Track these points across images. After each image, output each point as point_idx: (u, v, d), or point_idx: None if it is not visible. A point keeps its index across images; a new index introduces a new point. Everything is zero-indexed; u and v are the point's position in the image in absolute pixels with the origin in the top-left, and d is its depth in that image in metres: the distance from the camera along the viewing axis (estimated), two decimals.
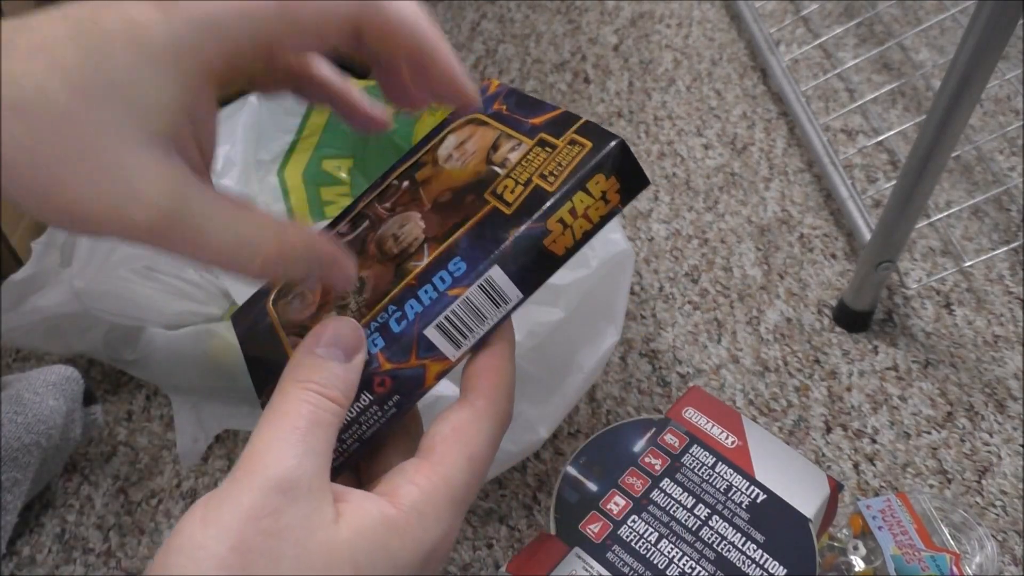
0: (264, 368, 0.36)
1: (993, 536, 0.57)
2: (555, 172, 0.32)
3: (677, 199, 0.87)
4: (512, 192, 0.32)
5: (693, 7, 1.10)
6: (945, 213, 0.82)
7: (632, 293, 0.79)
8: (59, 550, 0.64)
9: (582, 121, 0.33)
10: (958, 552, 0.53)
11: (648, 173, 0.90)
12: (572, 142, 0.33)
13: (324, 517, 0.26)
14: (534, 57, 1.04)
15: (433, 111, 0.77)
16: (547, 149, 0.33)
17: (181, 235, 0.26)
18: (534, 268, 0.31)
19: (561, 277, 0.61)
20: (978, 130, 0.93)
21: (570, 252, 0.32)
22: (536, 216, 0.31)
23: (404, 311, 0.32)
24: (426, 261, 0.33)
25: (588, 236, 0.32)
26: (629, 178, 0.32)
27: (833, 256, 0.82)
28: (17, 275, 0.66)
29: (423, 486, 0.28)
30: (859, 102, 0.94)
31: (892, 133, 0.90)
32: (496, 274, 0.31)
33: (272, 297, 0.38)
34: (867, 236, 0.77)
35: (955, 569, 0.52)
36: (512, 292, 0.31)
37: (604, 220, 0.32)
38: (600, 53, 1.04)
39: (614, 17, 1.09)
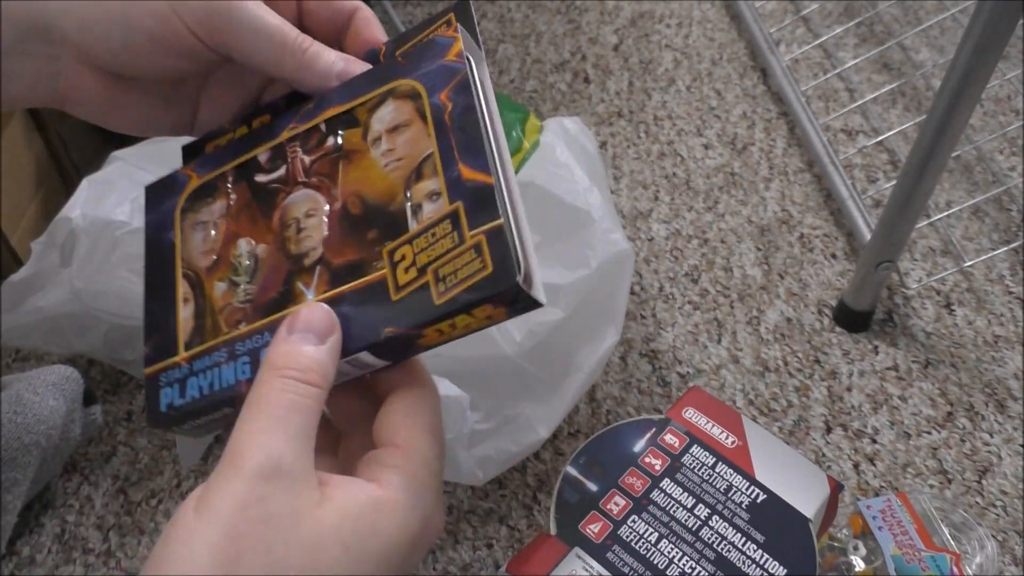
0: (156, 306, 0.37)
1: (993, 536, 0.57)
2: (448, 280, 0.31)
3: (677, 199, 0.87)
4: (406, 272, 0.32)
5: (693, 7, 1.10)
6: (945, 213, 0.82)
7: (632, 293, 0.79)
8: (59, 550, 0.64)
9: (496, 223, 0.31)
10: (958, 552, 0.53)
11: (648, 173, 0.90)
12: (478, 248, 0.31)
13: (309, 500, 0.27)
14: (534, 57, 1.04)
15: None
16: (454, 236, 0.31)
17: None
18: (403, 353, 0.33)
19: (561, 277, 0.61)
20: (978, 130, 0.93)
21: (441, 344, 0.33)
22: (415, 324, 0.31)
23: None
24: (309, 299, 0.33)
25: (462, 337, 0.33)
26: (519, 308, 0.31)
27: (833, 256, 0.82)
28: (17, 275, 0.66)
29: (404, 467, 0.30)
30: (859, 102, 0.94)
31: (892, 133, 0.90)
32: (365, 355, 0.32)
33: (183, 202, 0.38)
34: (867, 236, 0.77)
35: (955, 569, 0.52)
36: (378, 363, 0.33)
37: (483, 328, 0.32)
38: (600, 53, 1.04)
39: (614, 17, 1.09)
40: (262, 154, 0.37)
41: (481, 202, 0.32)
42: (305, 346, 0.30)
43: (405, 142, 0.34)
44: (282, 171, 0.36)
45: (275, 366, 0.29)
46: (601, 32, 1.07)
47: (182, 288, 0.36)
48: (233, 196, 0.37)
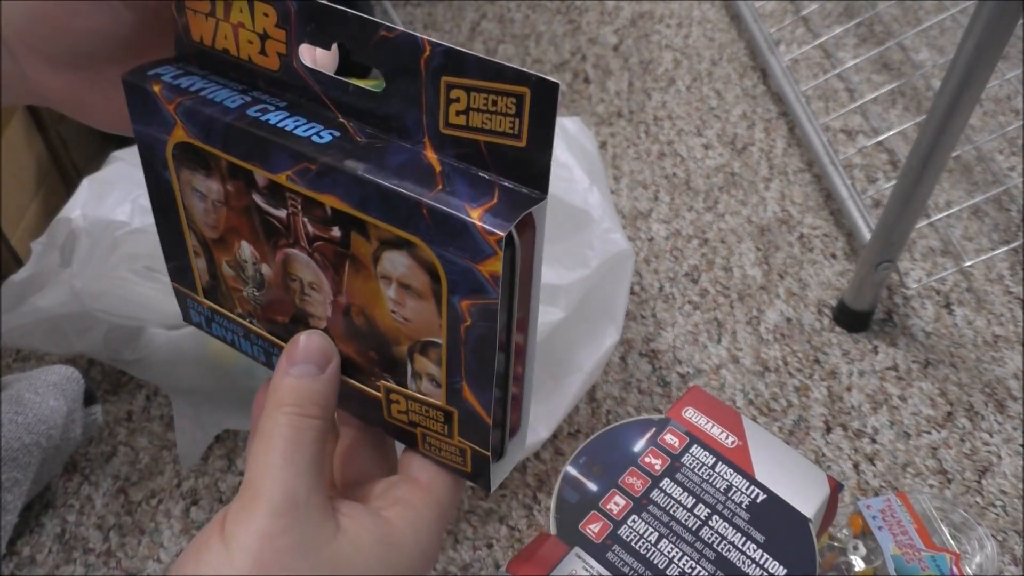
0: (167, 234, 0.34)
1: (993, 536, 0.57)
2: (432, 448, 0.32)
3: (677, 199, 0.87)
4: (399, 413, 0.32)
5: (693, 7, 1.10)
6: (945, 213, 0.82)
7: (632, 293, 0.79)
8: (59, 550, 0.64)
9: (483, 453, 0.30)
10: (958, 552, 0.53)
11: (648, 173, 0.90)
12: (462, 452, 0.31)
13: (325, 531, 0.29)
14: (534, 57, 1.04)
15: None
16: (445, 428, 0.31)
17: None
18: None
19: (561, 277, 0.61)
20: (978, 130, 0.93)
21: None
22: (400, 441, 0.32)
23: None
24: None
25: None
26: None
27: (833, 256, 0.82)
28: (17, 275, 0.66)
29: (418, 508, 0.31)
30: (859, 102, 0.94)
31: (892, 133, 0.90)
32: None
33: (171, 147, 0.31)
34: (867, 236, 0.77)
35: (955, 569, 0.52)
36: None
37: None
38: (600, 53, 1.04)
39: (614, 17, 1.09)
40: (259, 176, 0.30)
41: (474, 428, 0.30)
42: (304, 380, 0.31)
43: (416, 311, 0.29)
44: (282, 214, 0.30)
45: (278, 403, 0.30)
46: (601, 32, 1.07)
47: (191, 240, 0.34)
48: (231, 189, 0.31)
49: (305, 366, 0.31)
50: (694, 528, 0.44)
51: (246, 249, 0.32)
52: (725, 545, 0.43)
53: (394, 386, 0.31)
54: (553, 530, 0.43)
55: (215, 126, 0.30)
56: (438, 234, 0.26)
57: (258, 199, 0.30)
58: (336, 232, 0.29)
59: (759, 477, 0.46)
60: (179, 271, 0.35)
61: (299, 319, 0.33)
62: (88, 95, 0.36)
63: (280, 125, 0.29)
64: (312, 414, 0.30)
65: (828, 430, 0.69)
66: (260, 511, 0.28)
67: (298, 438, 0.30)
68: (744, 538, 0.44)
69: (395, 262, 0.28)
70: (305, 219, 0.29)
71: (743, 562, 0.43)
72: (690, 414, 0.49)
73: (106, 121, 0.37)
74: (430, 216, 0.26)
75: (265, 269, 0.32)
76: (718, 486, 0.46)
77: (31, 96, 0.35)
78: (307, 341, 0.32)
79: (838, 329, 0.76)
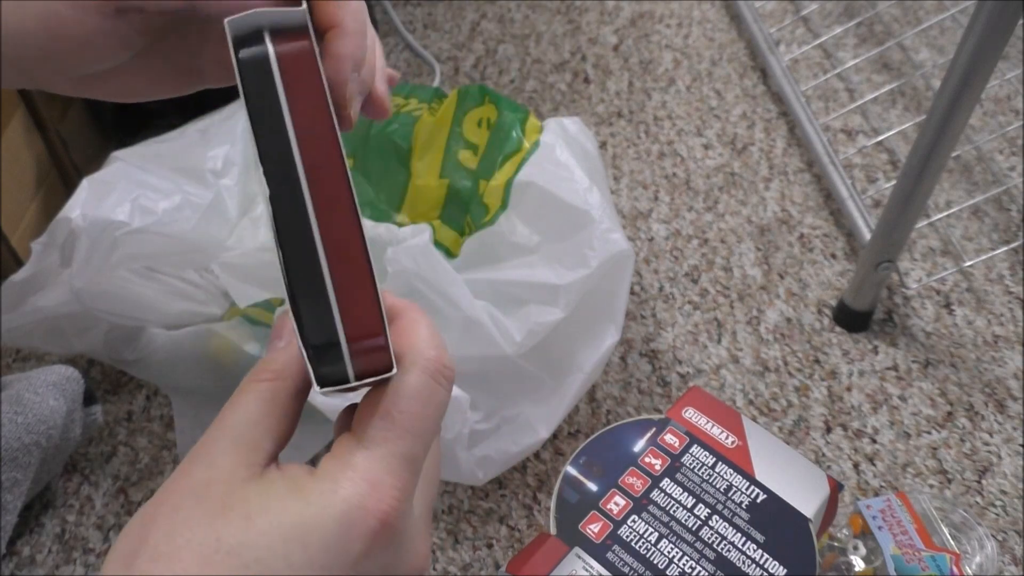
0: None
1: (993, 536, 0.57)
2: None
3: (677, 199, 0.87)
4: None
5: (693, 7, 1.10)
6: (945, 213, 0.82)
7: (632, 293, 0.79)
8: (59, 550, 0.64)
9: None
10: (958, 552, 0.53)
11: (648, 173, 0.90)
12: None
13: (236, 476, 0.27)
14: (534, 57, 1.04)
15: (433, 111, 0.77)
16: None
17: None
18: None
19: (561, 277, 0.61)
20: (978, 130, 0.93)
21: None
22: None
23: None
24: None
25: None
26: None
27: (833, 256, 0.82)
28: (17, 275, 0.66)
29: (337, 453, 0.27)
30: (859, 102, 0.94)
31: (892, 133, 0.90)
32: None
33: None
34: (867, 236, 0.77)
35: (955, 569, 0.52)
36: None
37: None
38: (600, 53, 1.04)
39: (614, 17, 1.09)
40: None
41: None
42: (267, 353, 0.31)
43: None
44: None
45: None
46: (601, 32, 1.07)
47: None
48: None
49: (274, 343, 0.32)
50: (694, 528, 0.44)
51: None
52: (725, 545, 0.43)
53: None
54: (553, 530, 0.43)
55: None
56: None
57: None
58: None
59: (759, 477, 0.46)
60: None
61: None
62: (100, 85, 0.35)
63: None
64: (261, 378, 0.30)
65: (828, 430, 0.69)
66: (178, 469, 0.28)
67: (236, 400, 0.30)
68: (744, 538, 0.44)
69: None
70: None
71: (743, 562, 0.43)
72: (690, 414, 0.49)
73: (124, 92, 0.36)
74: None
75: None
76: (718, 486, 0.46)
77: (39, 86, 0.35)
78: (276, 321, 0.32)
79: (838, 329, 0.76)
